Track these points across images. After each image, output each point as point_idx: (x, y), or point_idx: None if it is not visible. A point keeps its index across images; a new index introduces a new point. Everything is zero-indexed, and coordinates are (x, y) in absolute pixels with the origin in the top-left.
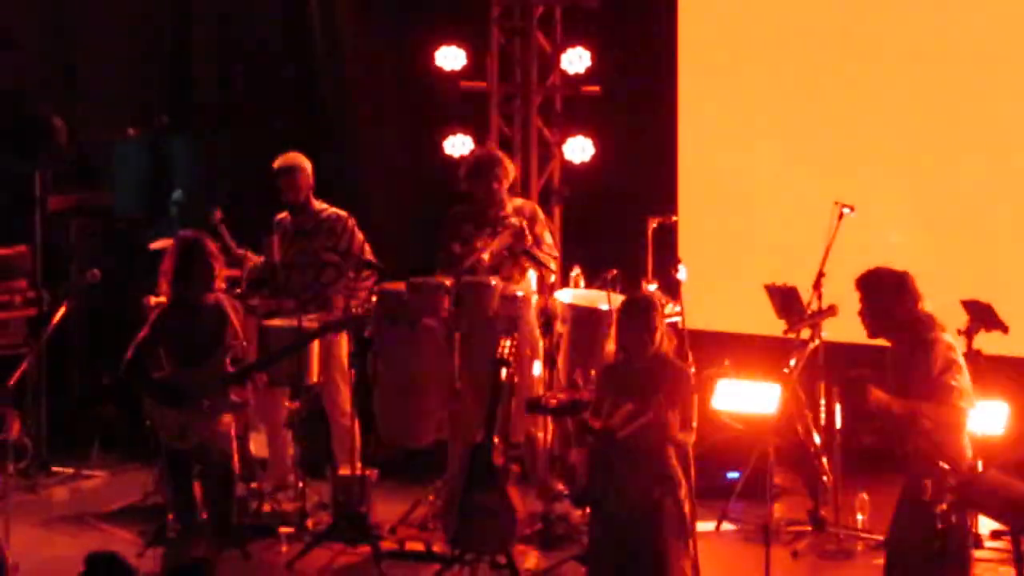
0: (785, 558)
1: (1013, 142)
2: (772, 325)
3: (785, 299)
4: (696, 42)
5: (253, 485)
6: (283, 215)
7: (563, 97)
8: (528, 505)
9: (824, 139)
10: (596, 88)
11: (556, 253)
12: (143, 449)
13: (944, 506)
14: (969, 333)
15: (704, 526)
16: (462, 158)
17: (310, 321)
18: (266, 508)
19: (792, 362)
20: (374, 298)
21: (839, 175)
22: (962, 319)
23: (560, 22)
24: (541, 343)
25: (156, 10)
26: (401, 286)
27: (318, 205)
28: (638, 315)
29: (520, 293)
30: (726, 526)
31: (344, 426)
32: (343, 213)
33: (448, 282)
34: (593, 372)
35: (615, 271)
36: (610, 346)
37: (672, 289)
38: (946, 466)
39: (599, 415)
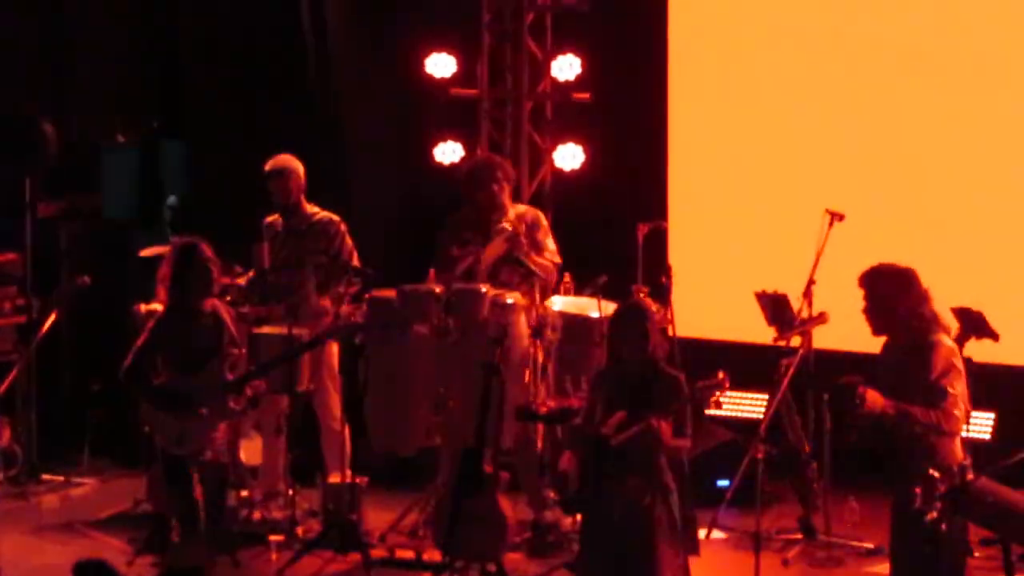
0: (775, 566)
1: (1005, 151)
2: (762, 332)
3: (775, 307)
4: (686, 49)
5: (244, 493)
6: (273, 218)
7: (554, 104)
8: (518, 512)
9: (815, 147)
10: (587, 95)
11: (558, 260)
12: (133, 456)
13: (934, 514)
14: (960, 341)
15: None
16: (462, 162)
17: (300, 328)
18: (256, 516)
19: (782, 370)
20: (363, 306)
21: (830, 182)
22: (953, 327)
23: (551, 29)
24: (533, 350)
25: (145, 12)
26: (392, 293)
27: (310, 208)
28: (631, 322)
29: (511, 301)
30: (716, 534)
31: (335, 432)
32: (335, 217)
33: (439, 289)
34: (583, 379)
35: (605, 278)
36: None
37: (663, 296)
38: (936, 473)
39: (591, 422)
